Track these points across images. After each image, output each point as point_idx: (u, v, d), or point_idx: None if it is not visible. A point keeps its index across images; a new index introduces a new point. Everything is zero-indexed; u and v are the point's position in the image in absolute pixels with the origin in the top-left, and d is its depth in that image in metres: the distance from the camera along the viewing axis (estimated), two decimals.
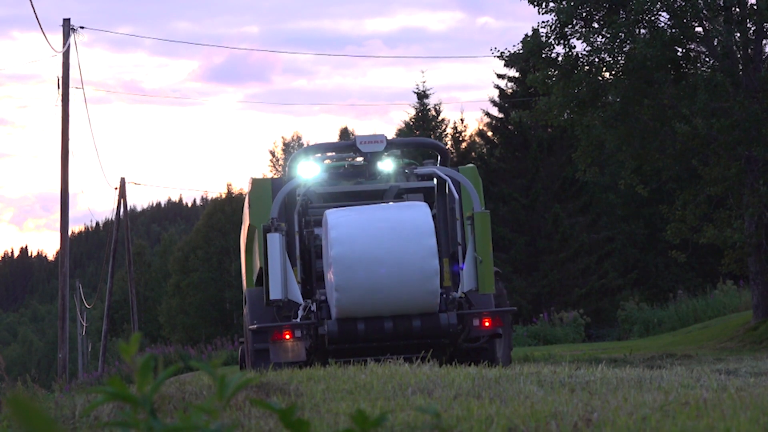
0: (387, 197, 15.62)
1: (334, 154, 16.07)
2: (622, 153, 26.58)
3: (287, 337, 13.49)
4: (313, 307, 13.95)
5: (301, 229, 14.88)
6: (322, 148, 15.79)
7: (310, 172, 14.86)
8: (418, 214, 13.42)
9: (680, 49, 25.31)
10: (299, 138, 73.39)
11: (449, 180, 14.55)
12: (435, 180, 15.39)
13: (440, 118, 53.51)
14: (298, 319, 13.79)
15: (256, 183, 15.48)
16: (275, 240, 13.65)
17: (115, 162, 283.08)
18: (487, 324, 13.85)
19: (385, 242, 13.23)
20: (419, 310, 13.52)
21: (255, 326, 13.96)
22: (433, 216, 15.37)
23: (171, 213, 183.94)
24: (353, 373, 8.44)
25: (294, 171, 14.94)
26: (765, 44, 25.40)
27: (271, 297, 13.68)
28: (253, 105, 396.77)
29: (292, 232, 14.51)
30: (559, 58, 25.46)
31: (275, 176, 63.74)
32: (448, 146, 53.18)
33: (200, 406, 2.63)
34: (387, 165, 15.27)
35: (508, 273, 42.50)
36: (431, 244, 13.28)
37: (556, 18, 24.99)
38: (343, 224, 13.36)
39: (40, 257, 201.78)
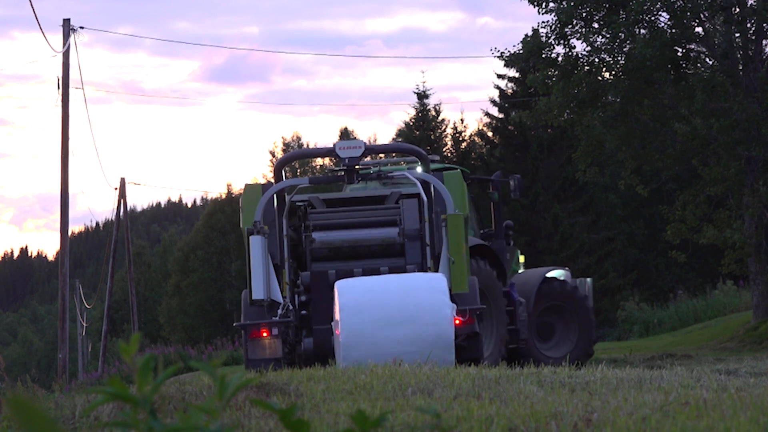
0: (389, 202, 15.75)
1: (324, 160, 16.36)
2: (622, 153, 26.59)
3: (264, 335, 13.93)
4: (291, 306, 14.23)
5: (299, 233, 15.21)
6: (304, 154, 16.49)
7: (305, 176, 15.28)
8: (438, 312, 12.90)
9: (680, 50, 25.32)
10: (299, 138, 73.29)
11: (419, 183, 14.78)
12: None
13: (440, 118, 53.48)
14: (277, 318, 14.15)
15: (247, 188, 15.80)
16: (257, 242, 14.14)
17: (115, 162, 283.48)
18: (457, 322, 13.94)
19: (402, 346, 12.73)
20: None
21: (235, 324, 14.54)
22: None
23: (171, 213, 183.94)
24: (353, 373, 8.43)
25: (280, 176, 15.30)
26: (765, 44, 25.41)
27: (254, 297, 14.12)
28: (253, 105, 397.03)
29: (281, 236, 14.78)
30: (559, 59, 25.47)
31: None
32: (448, 146, 53.18)
33: (200, 407, 2.62)
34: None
35: None
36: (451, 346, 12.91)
37: (556, 18, 24.99)
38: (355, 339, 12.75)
39: (40, 257, 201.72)
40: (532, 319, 19.58)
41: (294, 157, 16.52)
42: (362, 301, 12.61)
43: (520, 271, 20.80)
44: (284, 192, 15.17)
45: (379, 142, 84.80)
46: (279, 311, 14.19)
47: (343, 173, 15.15)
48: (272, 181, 15.34)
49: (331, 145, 15.28)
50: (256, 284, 14.05)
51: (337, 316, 12.75)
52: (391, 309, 12.55)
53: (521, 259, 21.23)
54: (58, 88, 32.60)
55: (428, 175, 14.93)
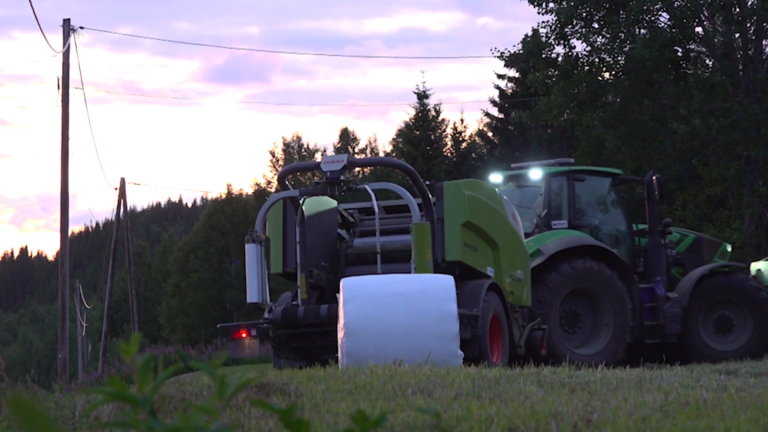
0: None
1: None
2: (622, 153, 26.60)
3: (243, 335, 14.87)
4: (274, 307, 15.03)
5: (344, 239, 16.15)
6: (300, 167, 18.74)
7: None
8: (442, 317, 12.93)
9: (680, 50, 25.33)
10: (299, 138, 73.28)
11: (373, 195, 15.25)
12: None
13: (440, 118, 53.47)
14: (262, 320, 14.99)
15: (271, 197, 16.48)
16: (252, 250, 15.03)
17: (115, 162, 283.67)
18: None
19: (402, 341, 12.73)
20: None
21: (219, 325, 15.68)
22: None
23: (171, 213, 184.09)
24: (353, 373, 8.44)
25: (285, 186, 15.94)
26: (765, 44, 25.42)
27: (248, 300, 15.02)
28: (253, 105, 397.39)
29: (294, 243, 15.56)
30: (559, 59, 25.48)
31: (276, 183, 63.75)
32: (448, 146, 53.19)
33: (200, 407, 2.63)
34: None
35: None
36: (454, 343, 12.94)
37: (556, 18, 25.02)
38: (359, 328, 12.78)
39: (40, 257, 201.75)
40: (698, 315, 19.70)
41: (292, 169, 18.04)
42: (367, 296, 12.70)
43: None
44: (296, 201, 15.64)
45: (379, 142, 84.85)
46: (266, 314, 14.95)
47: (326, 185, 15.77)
48: (290, 188, 16.07)
49: (320, 160, 16.03)
50: (251, 289, 14.91)
51: (341, 312, 12.82)
52: (395, 308, 12.62)
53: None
54: (58, 88, 32.61)
55: (395, 186, 15.39)
